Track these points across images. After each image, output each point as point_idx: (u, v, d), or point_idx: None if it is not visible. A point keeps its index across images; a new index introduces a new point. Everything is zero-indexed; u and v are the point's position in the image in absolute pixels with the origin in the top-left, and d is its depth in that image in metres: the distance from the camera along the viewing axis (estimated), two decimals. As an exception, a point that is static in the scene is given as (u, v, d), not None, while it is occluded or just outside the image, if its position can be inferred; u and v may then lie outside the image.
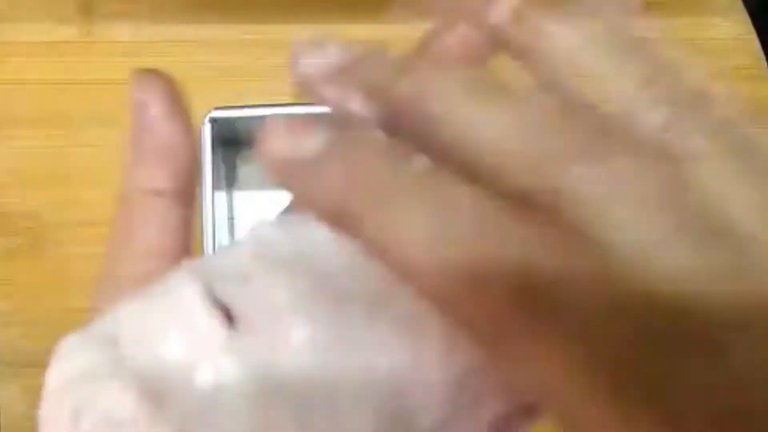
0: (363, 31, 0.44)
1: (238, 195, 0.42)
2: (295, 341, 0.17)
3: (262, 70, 0.44)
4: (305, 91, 0.18)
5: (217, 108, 0.38)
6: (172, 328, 0.17)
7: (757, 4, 0.47)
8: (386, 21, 0.43)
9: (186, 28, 0.44)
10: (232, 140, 0.42)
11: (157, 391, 0.17)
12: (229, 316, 0.17)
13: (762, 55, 0.47)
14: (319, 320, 0.17)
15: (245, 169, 0.43)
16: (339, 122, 0.17)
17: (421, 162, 0.15)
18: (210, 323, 0.17)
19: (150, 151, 0.21)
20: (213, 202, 0.37)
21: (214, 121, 0.38)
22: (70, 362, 0.18)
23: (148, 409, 0.17)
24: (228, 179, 0.42)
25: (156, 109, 0.21)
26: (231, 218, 0.42)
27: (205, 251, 0.36)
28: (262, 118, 0.39)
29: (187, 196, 0.22)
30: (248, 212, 0.42)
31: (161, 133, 0.21)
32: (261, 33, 0.45)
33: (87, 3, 0.44)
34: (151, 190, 0.21)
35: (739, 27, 0.47)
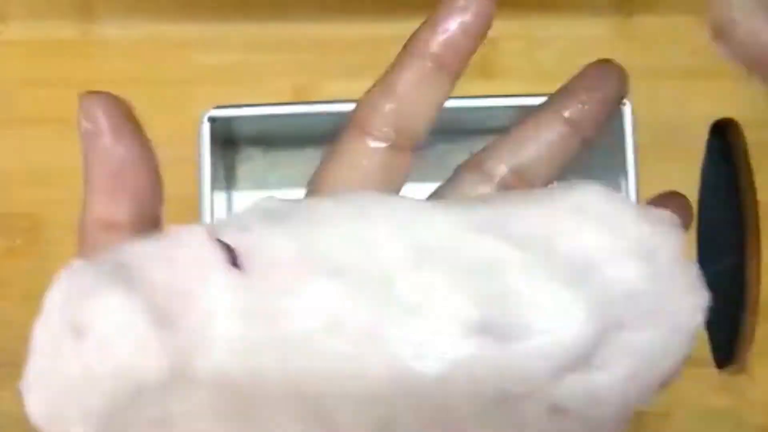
0: (362, 30, 0.43)
1: (237, 195, 0.42)
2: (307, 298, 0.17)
3: (262, 69, 0.44)
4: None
5: (216, 107, 0.38)
6: (178, 258, 0.17)
7: (761, 3, 0.47)
8: (386, 20, 0.42)
9: (186, 28, 0.44)
10: (232, 140, 0.42)
11: (164, 313, 0.17)
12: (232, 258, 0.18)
13: (765, 55, 0.46)
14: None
15: (244, 169, 0.43)
16: None
17: None
18: (216, 257, 0.17)
19: (102, 181, 0.20)
20: (212, 202, 0.37)
21: (213, 120, 0.38)
22: (71, 281, 0.18)
23: (154, 325, 0.17)
24: (227, 179, 0.42)
25: (105, 135, 0.20)
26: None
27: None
28: (261, 117, 0.39)
29: (150, 224, 0.21)
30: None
31: (111, 159, 0.20)
32: (261, 33, 0.44)
33: (87, 2, 0.44)
34: (109, 224, 0.20)
35: (743, 26, 0.47)
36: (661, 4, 0.45)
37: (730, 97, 0.44)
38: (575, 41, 0.44)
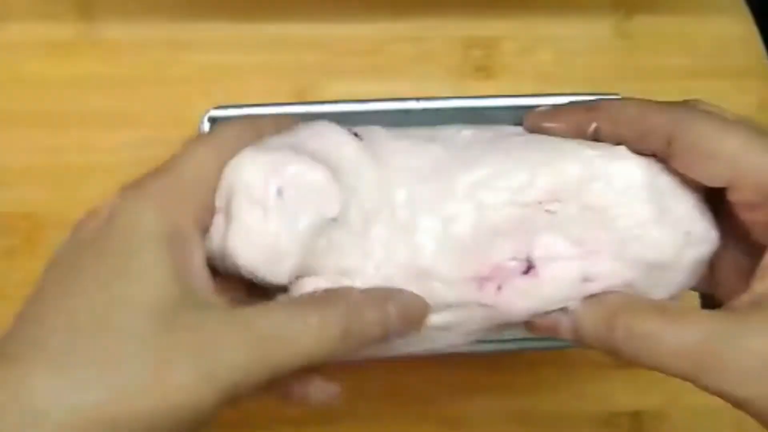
0: (363, 31, 0.43)
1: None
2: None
3: (262, 69, 0.44)
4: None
5: (216, 107, 0.38)
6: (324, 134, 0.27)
7: (761, 3, 0.47)
8: (385, 20, 0.42)
9: (186, 27, 0.44)
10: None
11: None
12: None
13: (765, 54, 0.46)
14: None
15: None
16: None
17: None
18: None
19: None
20: (212, 202, 0.36)
21: (213, 120, 0.38)
22: (258, 159, 0.24)
23: (330, 177, 0.24)
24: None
25: None
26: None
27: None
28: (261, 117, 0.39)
29: None
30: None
31: None
32: (261, 33, 0.44)
33: (87, 2, 0.44)
34: None
35: (742, 25, 0.47)
36: (661, 4, 0.45)
37: (729, 98, 0.44)
38: (575, 41, 0.44)
